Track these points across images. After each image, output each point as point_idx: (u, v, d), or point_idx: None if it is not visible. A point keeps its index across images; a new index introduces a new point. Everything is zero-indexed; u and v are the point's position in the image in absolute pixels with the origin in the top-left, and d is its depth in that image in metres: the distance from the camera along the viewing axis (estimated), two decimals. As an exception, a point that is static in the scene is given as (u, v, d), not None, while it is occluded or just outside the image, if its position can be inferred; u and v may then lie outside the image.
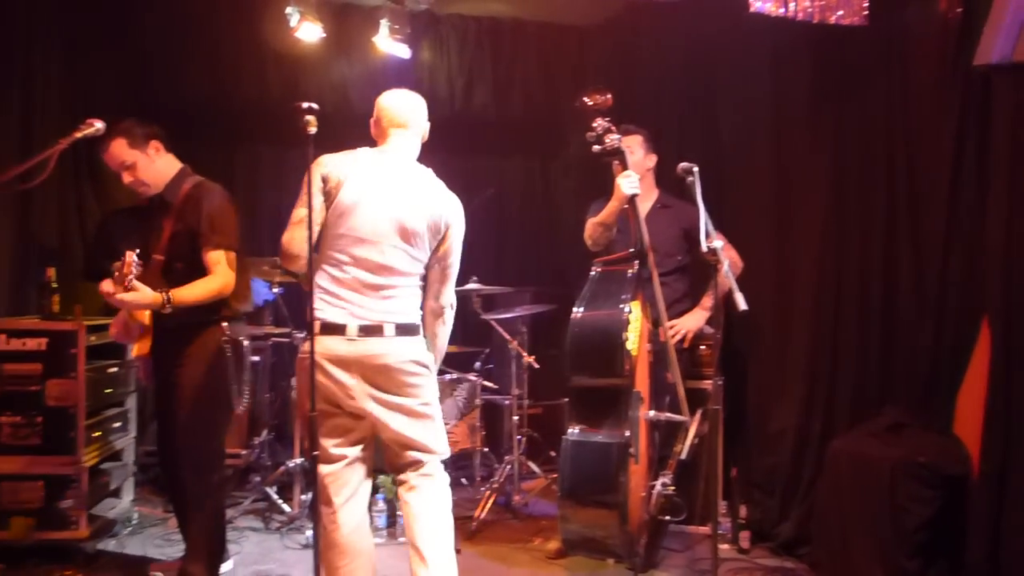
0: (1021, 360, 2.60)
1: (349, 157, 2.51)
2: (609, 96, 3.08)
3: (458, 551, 3.52)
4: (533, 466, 4.31)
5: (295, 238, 2.46)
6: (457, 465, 4.54)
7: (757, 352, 3.86)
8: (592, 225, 3.38)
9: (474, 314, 4.23)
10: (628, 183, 3.10)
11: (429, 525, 2.50)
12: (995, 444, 2.63)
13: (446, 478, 2.60)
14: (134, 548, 3.52)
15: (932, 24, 3.05)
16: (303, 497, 3.87)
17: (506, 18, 5.08)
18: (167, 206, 2.94)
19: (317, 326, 2.38)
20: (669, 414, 3.12)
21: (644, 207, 3.43)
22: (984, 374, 2.72)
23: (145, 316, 2.90)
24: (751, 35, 3.67)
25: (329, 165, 2.45)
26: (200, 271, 2.84)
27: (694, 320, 3.61)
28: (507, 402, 4.33)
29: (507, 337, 4.20)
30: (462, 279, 3.96)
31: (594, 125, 3.08)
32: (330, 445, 2.48)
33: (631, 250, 3.14)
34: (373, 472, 2.62)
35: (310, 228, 2.33)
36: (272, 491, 4.05)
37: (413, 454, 2.53)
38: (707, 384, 3.60)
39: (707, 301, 3.56)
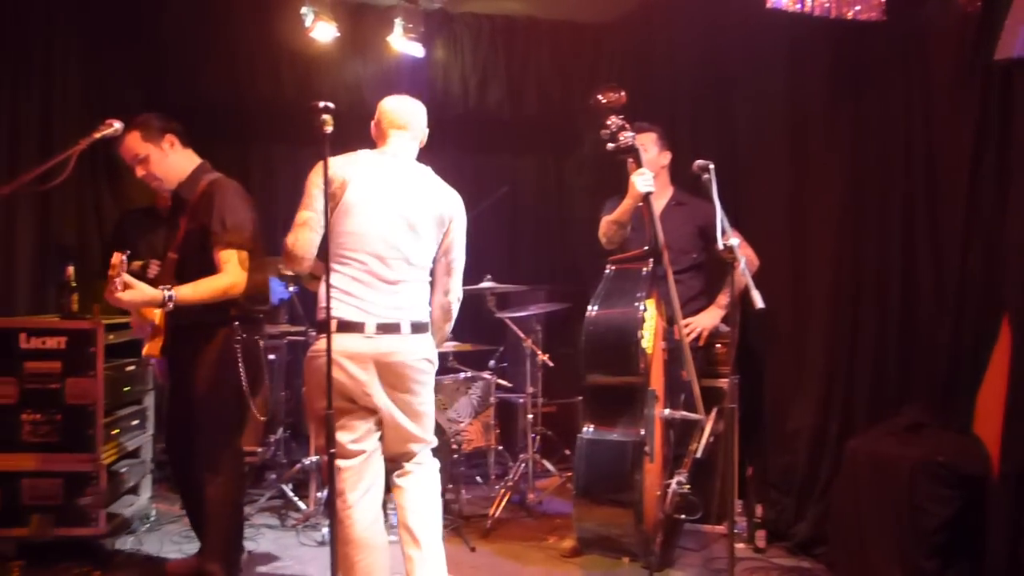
0: (1042, 358, 2.57)
1: (350, 159, 2.56)
2: (623, 93, 3.06)
3: (472, 549, 3.57)
4: (548, 464, 4.31)
5: (300, 240, 2.50)
6: (471, 463, 4.55)
7: (773, 350, 3.83)
8: (606, 223, 3.37)
9: (488, 312, 4.23)
10: (642, 181, 3.09)
11: (421, 509, 2.61)
12: (1015, 444, 2.59)
13: (436, 463, 2.72)
14: (152, 545, 3.54)
15: (951, 18, 3.00)
16: (319, 494, 3.88)
17: (520, 16, 5.08)
18: (184, 203, 2.92)
19: (334, 324, 2.39)
20: (684, 412, 3.10)
21: (659, 205, 3.42)
22: (1004, 373, 2.68)
23: (155, 315, 2.83)
24: (767, 31, 3.63)
25: (331, 167, 2.46)
26: (212, 270, 2.79)
27: (709, 318, 3.60)
28: (521, 400, 4.33)
29: (521, 335, 4.20)
30: (476, 277, 3.99)
31: (608, 123, 3.06)
32: (347, 440, 2.51)
33: (646, 248, 3.12)
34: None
35: (327, 229, 2.36)
36: (288, 488, 4.09)
37: (411, 446, 2.65)
38: (723, 382, 3.56)
39: (723, 299, 3.54)
